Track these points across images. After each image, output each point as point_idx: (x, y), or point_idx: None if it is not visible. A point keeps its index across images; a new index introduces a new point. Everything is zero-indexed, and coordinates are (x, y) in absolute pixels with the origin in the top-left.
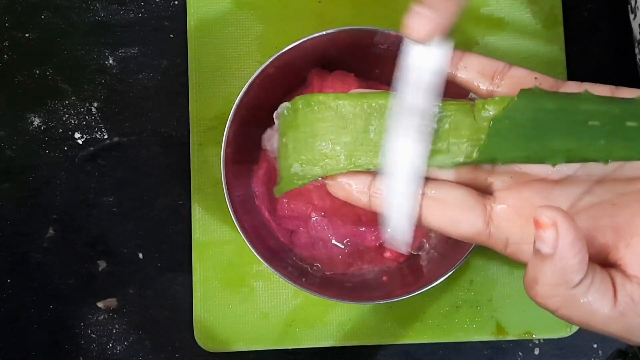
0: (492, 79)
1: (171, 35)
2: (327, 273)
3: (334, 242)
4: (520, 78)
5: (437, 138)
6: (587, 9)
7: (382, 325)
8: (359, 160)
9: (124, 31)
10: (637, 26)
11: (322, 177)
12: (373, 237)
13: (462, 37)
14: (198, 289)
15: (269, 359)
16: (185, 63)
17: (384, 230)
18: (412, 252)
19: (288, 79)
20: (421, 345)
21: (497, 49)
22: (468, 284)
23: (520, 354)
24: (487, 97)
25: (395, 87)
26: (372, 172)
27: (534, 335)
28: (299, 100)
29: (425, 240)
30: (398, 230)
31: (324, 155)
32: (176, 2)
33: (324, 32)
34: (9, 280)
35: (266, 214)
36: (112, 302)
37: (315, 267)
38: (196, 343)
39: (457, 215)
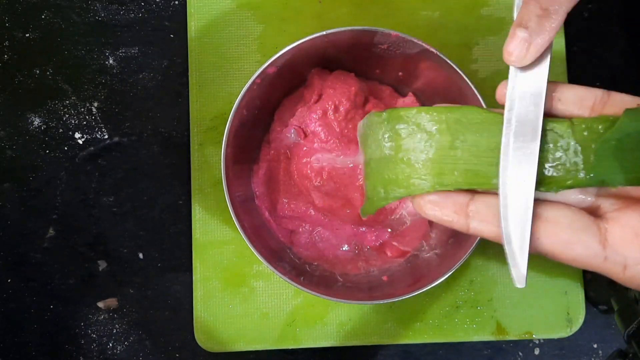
0: (592, 108)
1: (171, 35)
2: (327, 273)
3: (334, 242)
4: (624, 104)
5: (543, 159)
6: (587, 9)
7: (382, 325)
8: (447, 179)
9: (124, 31)
10: None
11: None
12: (373, 237)
13: (462, 37)
14: (198, 289)
15: (269, 359)
16: (185, 63)
17: (509, 267)
18: (412, 253)
19: (288, 79)
20: (421, 345)
21: (497, 49)
22: (468, 284)
23: (520, 354)
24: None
25: (502, 108)
26: (467, 191)
27: (534, 335)
28: (375, 116)
29: (425, 241)
30: (516, 261)
31: (408, 174)
32: (176, 2)
33: (324, 32)
34: (9, 280)
35: (266, 214)
36: (112, 302)
37: (315, 267)
38: (196, 343)
39: (570, 236)
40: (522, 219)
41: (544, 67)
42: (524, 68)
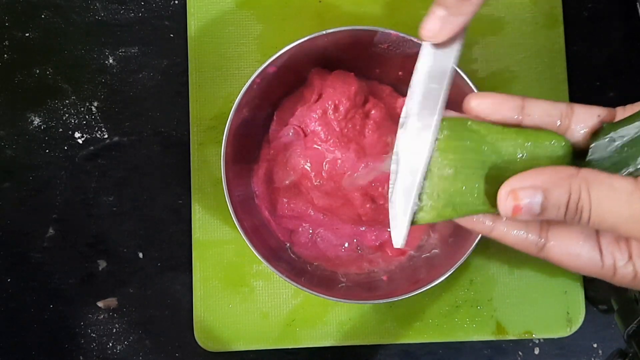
0: (560, 122)
1: (171, 35)
2: (327, 272)
3: (334, 241)
4: (585, 117)
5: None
6: (587, 9)
7: (382, 325)
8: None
9: (124, 31)
10: None
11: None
12: (373, 237)
13: None
14: (198, 288)
15: (269, 358)
16: (185, 63)
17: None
18: (412, 252)
19: (288, 78)
20: (421, 345)
21: (497, 49)
22: (468, 284)
23: (520, 353)
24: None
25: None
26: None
27: (534, 335)
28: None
29: (425, 240)
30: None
31: (463, 193)
32: (176, 2)
33: (324, 32)
34: (9, 280)
35: (266, 213)
36: (112, 301)
37: (315, 267)
38: (196, 343)
39: (578, 250)
40: (408, 185)
41: (454, 48)
42: (437, 46)
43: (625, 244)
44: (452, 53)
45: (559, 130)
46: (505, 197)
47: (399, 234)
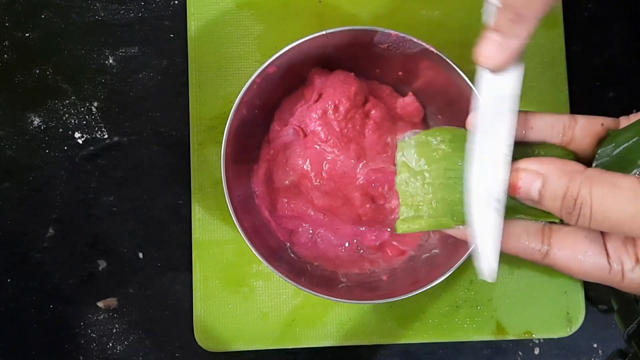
0: (563, 133)
1: (171, 35)
2: (327, 272)
3: (334, 241)
4: (588, 126)
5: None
6: (587, 9)
7: (382, 325)
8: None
9: (124, 31)
10: None
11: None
12: (373, 237)
13: (462, 36)
14: (198, 288)
15: (269, 358)
16: (185, 63)
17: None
18: (412, 252)
19: (288, 78)
20: (421, 345)
21: None
22: (468, 284)
23: (520, 353)
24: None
25: (475, 121)
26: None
27: (534, 335)
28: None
29: (425, 240)
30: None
31: (460, 202)
32: (176, 2)
33: (324, 32)
34: (9, 280)
35: (266, 213)
36: (112, 301)
37: (315, 267)
38: (196, 343)
39: (582, 256)
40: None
41: (518, 73)
42: (497, 74)
43: (633, 247)
44: (514, 78)
45: (562, 141)
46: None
47: (489, 265)
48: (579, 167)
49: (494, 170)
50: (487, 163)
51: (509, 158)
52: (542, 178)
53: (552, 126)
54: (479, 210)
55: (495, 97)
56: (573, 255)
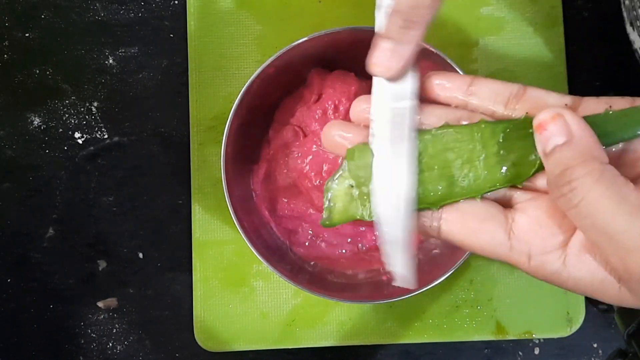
0: (507, 103)
1: (171, 35)
2: (327, 272)
3: (334, 241)
4: (537, 99)
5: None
6: (587, 9)
7: (382, 325)
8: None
9: (124, 31)
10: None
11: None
12: (373, 237)
13: (462, 36)
14: (198, 288)
15: (269, 358)
16: (185, 63)
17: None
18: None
19: (288, 79)
20: (421, 345)
21: (497, 49)
22: (468, 284)
23: (520, 353)
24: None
25: (371, 124)
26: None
27: (534, 335)
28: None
29: (425, 240)
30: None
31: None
32: (176, 2)
33: (324, 32)
34: (9, 280)
35: (266, 213)
36: (112, 302)
37: (315, 267)
38: (196, 343)
39: (477, 225)
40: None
41: (413, 80)
42: (393, 81)
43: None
44: (407, 86)
45: (505, 114)
46: (547, 111)
47: (402, 270)
48: (603, 157)
49: (397, 178)
50: (390, 171)
51: (414, 167)
52: (569, 139)
53: (497, 94)
54: (385, 213)
55: (393, 106)
56: (465, 225)
